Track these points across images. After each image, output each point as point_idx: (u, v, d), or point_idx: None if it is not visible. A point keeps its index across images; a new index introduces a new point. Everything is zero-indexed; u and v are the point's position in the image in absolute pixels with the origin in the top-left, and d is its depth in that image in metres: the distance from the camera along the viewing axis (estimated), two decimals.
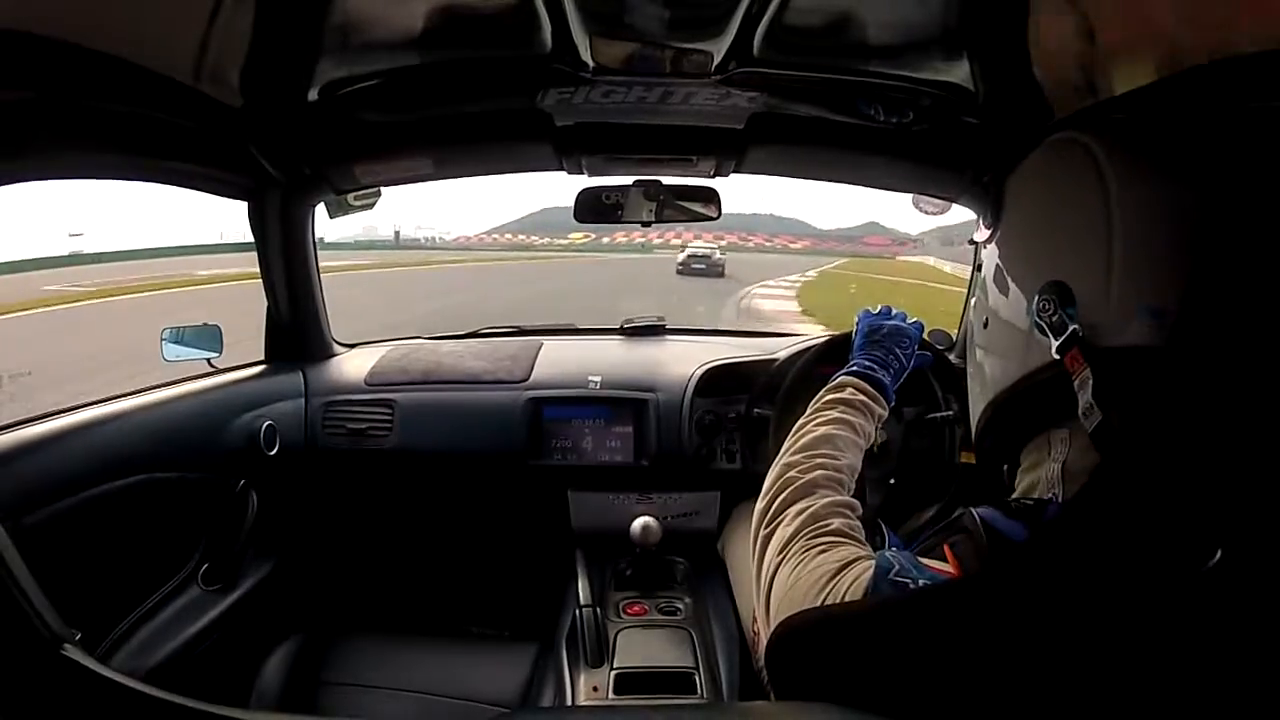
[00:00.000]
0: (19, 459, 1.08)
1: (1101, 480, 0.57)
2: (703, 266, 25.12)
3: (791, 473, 0.85)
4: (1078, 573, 0.53)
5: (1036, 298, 0.65)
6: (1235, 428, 0.52)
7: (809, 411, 0.98)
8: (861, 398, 0.97)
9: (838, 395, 0.98)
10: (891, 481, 1.47)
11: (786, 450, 0.91)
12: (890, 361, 1.05)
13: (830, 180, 1.82)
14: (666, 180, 1.68)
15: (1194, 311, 0.55)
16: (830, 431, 0.91)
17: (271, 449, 1.63)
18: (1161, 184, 0.61)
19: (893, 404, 1.02)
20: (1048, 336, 0.64)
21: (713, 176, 1.70)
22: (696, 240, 33.08)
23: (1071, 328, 0.62)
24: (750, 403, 1.70)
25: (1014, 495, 0.71)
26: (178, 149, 1.30)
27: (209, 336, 1.66)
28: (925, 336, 1.41)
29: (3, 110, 0.89)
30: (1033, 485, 0.69)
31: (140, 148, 1.22)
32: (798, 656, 0.66)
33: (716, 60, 1.15)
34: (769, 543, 0.79)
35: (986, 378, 0.75)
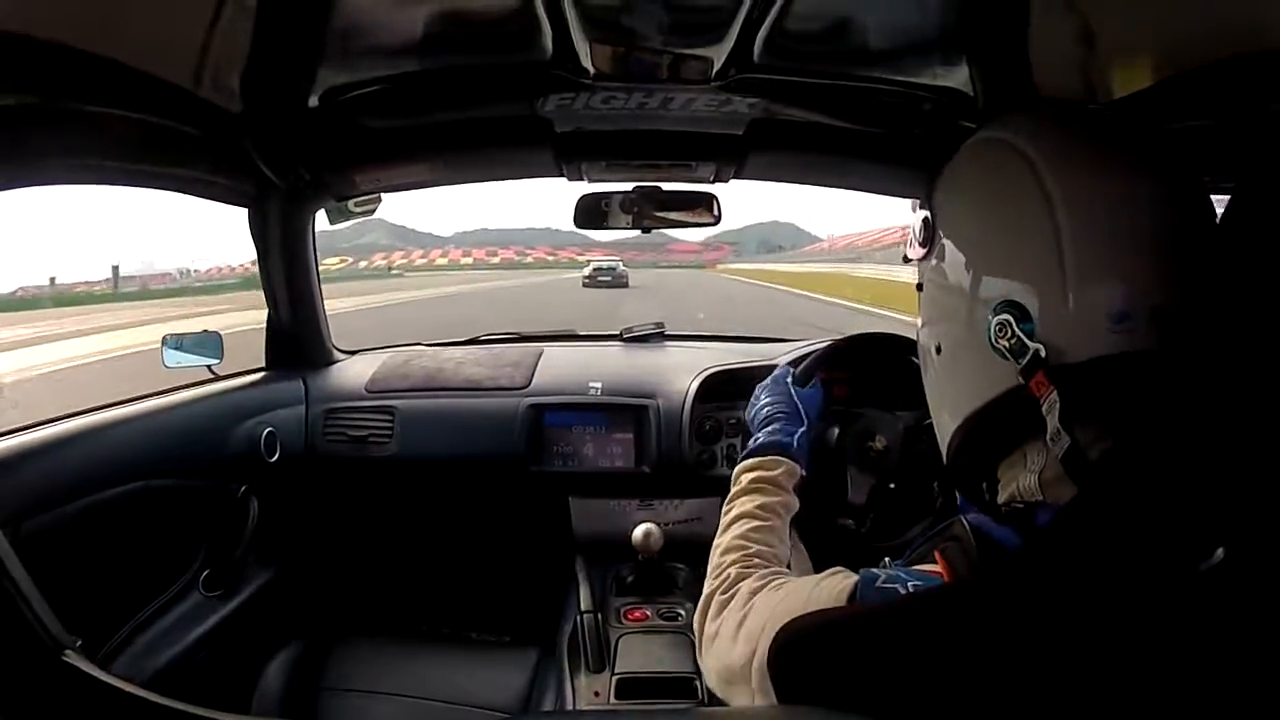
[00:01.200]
0: (20, 465, 1.08)
1: (1091, 489, 0.57)
2: (609, 279, 26.64)
3: (714, 582, 0.85)
4: (1072, 577, 0.53)
5: (991, 319, 0.62)
6: (1224, 425, 0.52)
7: (722, 521, 0.97)
8: (758, 473, 0.98)
9: (735, 488, 0.99)
10: (892, 486, 1.46)
11: (709, 573, 0.89)
12: (775, 416, 1.06)
13: (830, 186, 1.82)
14: (666, 186, 1.68)
15: (1172, 311, 0.55)
16: (734, 536, 0.91)
17: (272, 456, 1.62)
18: (1102, 178, 0.59)
19: (807, 452, 1.02)
20: (1008, 359, 0.61)
21: (713, 182, 1.70)
22: (603, 257, 33.00)
23: (1032, 349, 0.59)
24: None
25: (1000, 501, 0.69)
26: (178, 155, 1.30)
27: (209, 343, 1.66)
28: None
29: (2, 115, 0.89)
30: (1013, 496, 0.67)
31: (140, 154, 1.22)
32: (797, 666, 0.66)
33: (717, 66, 1.15)
34: (725, 609, 0.79)
35: (949, 404, 0.72)
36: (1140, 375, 0.56)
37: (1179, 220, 0.57)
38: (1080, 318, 0.58)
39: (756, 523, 0.92)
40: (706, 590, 0.86)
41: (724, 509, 0.98)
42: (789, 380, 1.14)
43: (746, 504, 0.95)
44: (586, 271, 27.78)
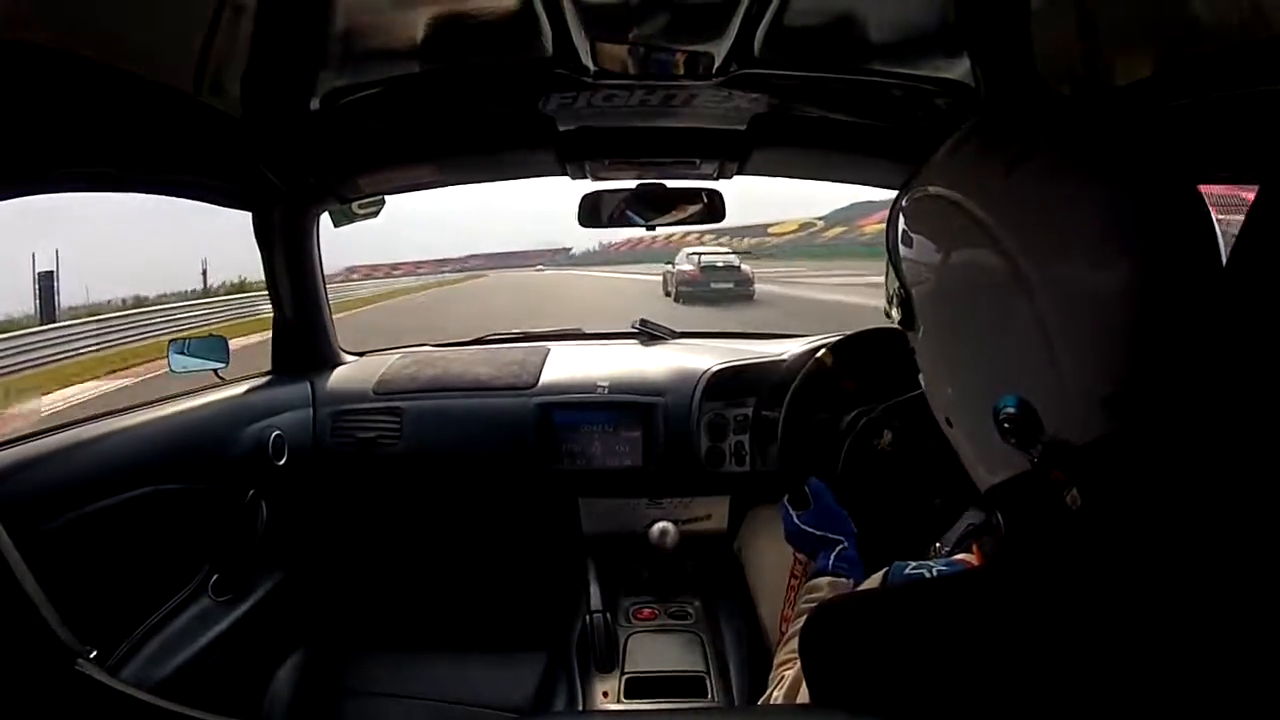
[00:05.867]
0: (28, 471, 1.09)
1: (1115, 474, 0.57)
2: (729, 285, 15.11)
3: (772, 688, 0.90)
4: (1087, 558, 0.54)
5: (995, 412, 0.61)
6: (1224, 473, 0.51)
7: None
8: (809, 595, 1.06)
9: (795, 611, 1.08)
10: (898, 483, 1.46)
11: (770, 684, 0.94)
12: (813, 550, 1.14)
13: (834, 180, 1.82)
14: (670, 183, 1.68)
15: (1162, 377, 0.55)
16: (790, 650, 0.95)
17: (280, 459, 1.63)
18: (1088, 262, 0.57)
19: (850, 558, 1.10)
20: (1018, 449, 0.60)
21: (716, 179, 1.70)
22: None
23: (1042, 442, 0.58)
24: (758, 405, 1.69)
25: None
26: (180, 160, 1.31)
27: (215, 347, 1.66)
28: None
29: (5, 123, 0.89)
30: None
31: (143, 159, 1.22)
32: (823, 644, 0.67)
33: (718, 62, 1.15)
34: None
35: (971, 468, 0.71)
36: (1140, 445, 0.56)
37: (1172, 286, 0.56)
38: (1079, 406, 0.58)
39: None
40: (765, 697, 0.90)
41: (787, 630, 1.05)
42: (797, 521, 1.18)
43: (798, 624, 1.00)
44: (686, 267, 15.77)
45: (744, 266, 16.25)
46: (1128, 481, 0.55)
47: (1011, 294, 0.58)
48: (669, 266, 17.21)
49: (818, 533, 1.14)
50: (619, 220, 1.71)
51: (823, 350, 1.46)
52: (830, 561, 1.08)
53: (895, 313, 0.73)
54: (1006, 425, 0.60)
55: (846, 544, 1.11)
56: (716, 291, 14.80)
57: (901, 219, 0.71)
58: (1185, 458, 0.53)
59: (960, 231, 0.62)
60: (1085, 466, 0.57)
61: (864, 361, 1.50)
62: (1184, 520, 0.51)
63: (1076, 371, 0.57)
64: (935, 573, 0.66)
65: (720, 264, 15.86)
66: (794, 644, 0.94)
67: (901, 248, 0.70)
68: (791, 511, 1.19)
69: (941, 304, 0.66)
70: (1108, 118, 0.65)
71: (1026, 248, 0.58)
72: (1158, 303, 0.55)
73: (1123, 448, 0.56)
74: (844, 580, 1.05)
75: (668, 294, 16.01)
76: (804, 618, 0.98)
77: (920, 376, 0.75)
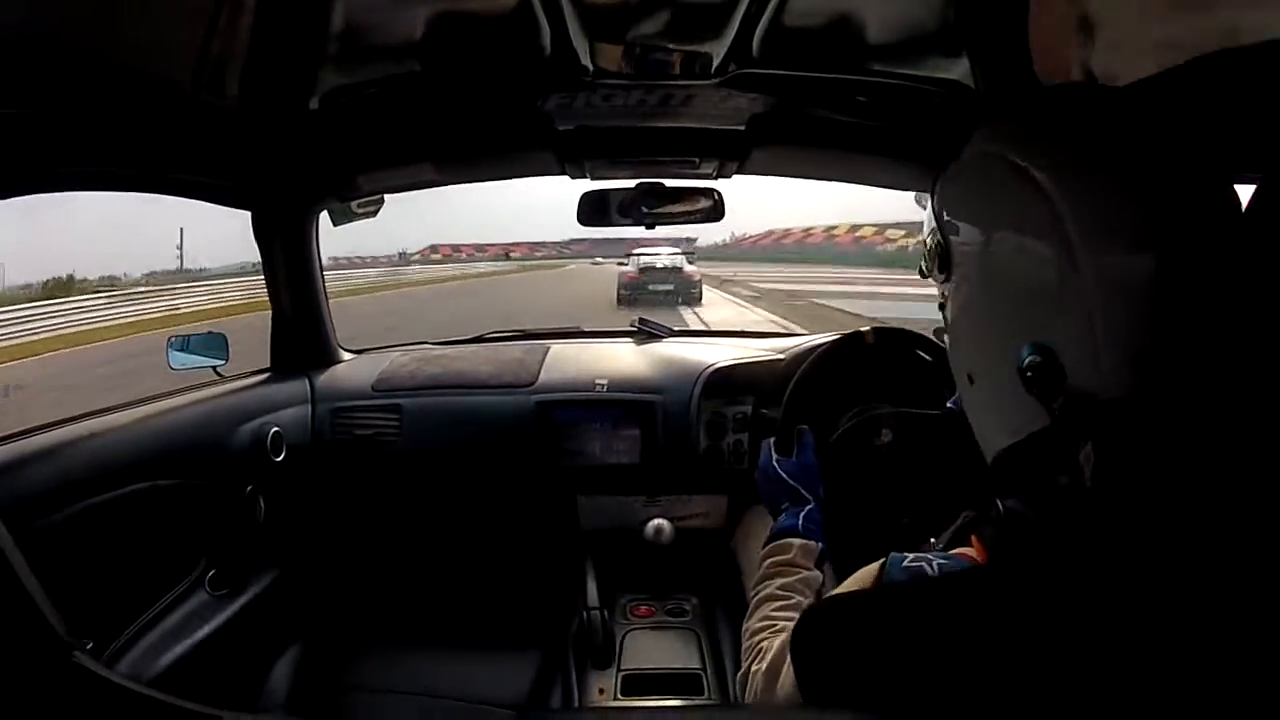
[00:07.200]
0: (27, 467, 1.09)
1: (1109, 466, 0.57)
2: (669, 287, 14.67)
3: (748, 660, 0.88)
4: (1099, 545, 0.54)
5: (1021, 360, 0.61)
6: (1235, 453, 0.51)
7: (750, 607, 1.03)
8: (775, 558, 1.03)
9: (757, 574, 1.04)
10: (904, 483, 1.46)
11: (743, 655, 0.93)
12: (780, 502, 1.12)
13: (833, 179, 1.82)
14: (669, 182, 1.68)
15: (1189, 343, 0.55)
16: (760, 617, 0.94)
17: (279, 455, 1.63)
18: (1125, 214, 0.58)
19: (819, 521, 1.07)
20: (1040, 404, 0.61)
21: (715, 178, 1.70)
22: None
23: (1065, 395, 0.59)
24: (757, 404, 1.69)
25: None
26: (180, 159, 1.31)
27: (215, 344, 1.66)
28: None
29: (3, 121, 0.90)
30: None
31: (142, 158, 1.22)
32: (817, 644, 0.67)
33: (716, 62, 1.15)
34: (763, 674, 0.81)
35: (988, 430, 0.71)
36: (1160, 411, 0.56)
37: (1206, 261, 0.56)
38: (1108, 363, 0.58)
39: (779, 602, 0.95)
40: (743, 670, 0.89)
41: (750, 595, 1.02)
42: (775, 463, 1.16)
43: (768, 587, 0.99)
44: (627, 269, 15.40)
45: (688, 268, 15.48)
46: (1147, 442, 0.56)
47: (1051, 250, 0.59)
48: (624, 266, 15.96)
49: (790, 481, 1.12)
50: (621, 219, 1.71)
51: (867, 327, 1.45)
52: (800, 521, 1.06)
53: (930, 262, 0.74)
54: (1030, 374, 0.60)
55: (814, 505, 1.09)
56: (654, 295, 14.20)
57: (947, 172, 0.72)
58: (1208, 425, 0.53)
59: (1005, 187, 0.63)
60: (1106, 421, 0.57)
61: (899, 354, 1.49)
62: (1202, 494, 0.51)
63: (1108, 329, 0.57)
64: (936, 566, 0.66)
65: (660, 265, 15.14)
66: (766, 610, 0.93)
67: (944, 197, 0.72)
68: (773, 452, 1.17)
69: (978, 254, 0.67)
70: (1154, 105, 0.66)
71: (1073, 212, 0.58)
72: (1192, 276, 0.56)
73: (1146, 407, 0.56)
74: (813, 544, 1.03)
75: (620, 298, 14.62)
76: (771, 583, 0.98)
77: (945, 334, 0.76)
